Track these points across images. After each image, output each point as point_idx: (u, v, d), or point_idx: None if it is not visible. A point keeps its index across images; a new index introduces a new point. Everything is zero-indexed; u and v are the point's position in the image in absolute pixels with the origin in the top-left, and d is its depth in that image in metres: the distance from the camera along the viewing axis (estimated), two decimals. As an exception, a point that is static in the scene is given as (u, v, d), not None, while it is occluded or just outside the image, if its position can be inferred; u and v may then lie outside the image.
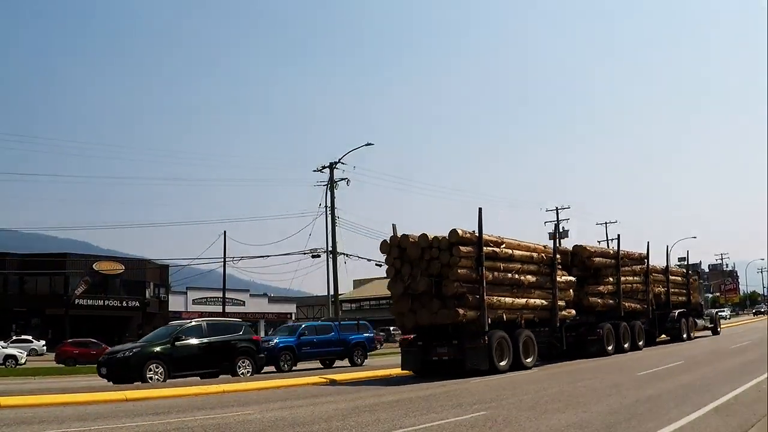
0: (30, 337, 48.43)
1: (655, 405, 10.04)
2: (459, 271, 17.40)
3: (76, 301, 57.67)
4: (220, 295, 60.55)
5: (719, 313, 40.74)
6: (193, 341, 18.95)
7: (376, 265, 49.21)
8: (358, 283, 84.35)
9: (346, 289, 67.26)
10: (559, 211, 64.06)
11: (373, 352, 45.62)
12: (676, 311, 30.92)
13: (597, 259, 24.19)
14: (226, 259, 51.59)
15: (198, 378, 18.72)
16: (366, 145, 39.77)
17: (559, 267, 21.24)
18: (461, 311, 17.22)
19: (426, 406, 11.04)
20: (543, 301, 20.19)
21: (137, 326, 61.31)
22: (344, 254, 41.75)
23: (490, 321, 17.75)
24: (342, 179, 41.26)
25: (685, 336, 30.77)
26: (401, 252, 18.20)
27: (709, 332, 36.16)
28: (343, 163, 41.08)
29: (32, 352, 43.83)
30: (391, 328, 65.27)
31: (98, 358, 22.26)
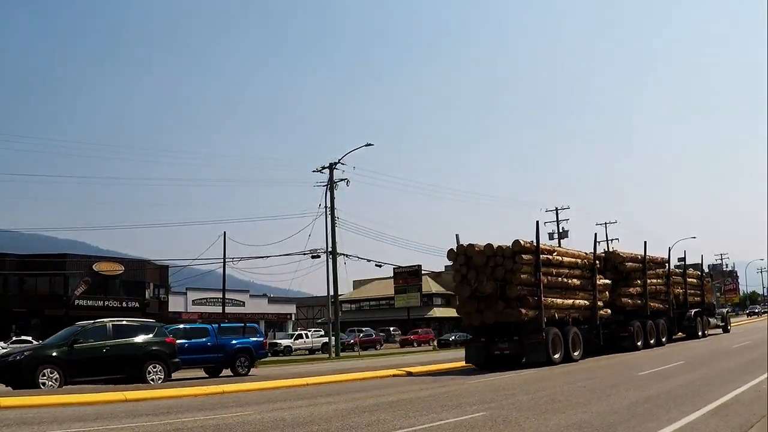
0: (30, 338, 48.36)
1: (655, 405, 10.03)
2: (521, 276, 20.02)
3: (76, 301, 57.64)
4: (220, 295, 60.53)
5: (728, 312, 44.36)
6: (95, 344, 17.55)
7: (376, 265, 49.35)
8: (358, 284, 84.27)
9: (346, 289, 67.23)
10: (558, 211, 64.19)
11: (373, 353, 45.76)
12: (692, 311, 33.41)
13: (628, 264, 27.05)
14: (226, 260, 51.64)
15: (194, 379, 18.42)
16: (366, 145, 39.86)
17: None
18: (523, 311, 19.75)
19: (426, 407, 11.05)
20: (585, 301, 23.07)
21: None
22: (344, 255, 41.84)
23: (545, 319, 20.18)
24: (342, 180, 41.34)
25: (700, 333, 33.07)
26: (467, 259, 20.62)
27: (720, 330, 38.27)
28: (342, 164, 41.16)
29: (32, 353, 43.84)
30: (391, 328, 65.24)
31: None
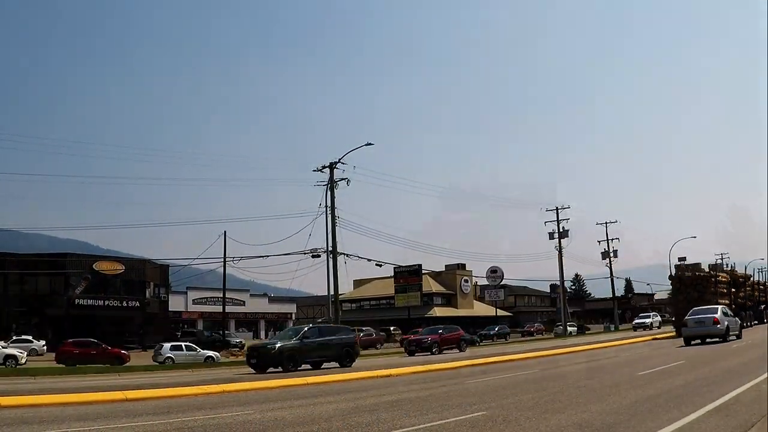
0: (30, 337, 48.38)
1: (655, 405, 10.02)
2: (711, 288, 39.63)
3: (76, 300, 57.67)
4: (220, 295, 60.61)
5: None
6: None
7: (377, 265, 49.38)
8: (358, 283, 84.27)
9: (346, 289, 67.20)
10: (559, 211, 64.18)
11: (373, 352, 45.64)
12: (762, 306, 55.72)
13: (740, 279, 48.40)
14: (226, 259, 51.71)
15: (199, 377, 18.54)
16: (366, 145, 39.79)
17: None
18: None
19: (426, 406, 11.05)
20: (728, 301, 40.51)
21: (138, 326, 61.35)
22: (344, 254, 41.83)
23: None
24: (342, 179, 41.31)
25: (766, 321, 53.15)
26: (680, 279, 41.46)
27: None
28: (343, 163, 41.11)
29: (32, 352, 43.78)
30: (392, 328, 65.17)
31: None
